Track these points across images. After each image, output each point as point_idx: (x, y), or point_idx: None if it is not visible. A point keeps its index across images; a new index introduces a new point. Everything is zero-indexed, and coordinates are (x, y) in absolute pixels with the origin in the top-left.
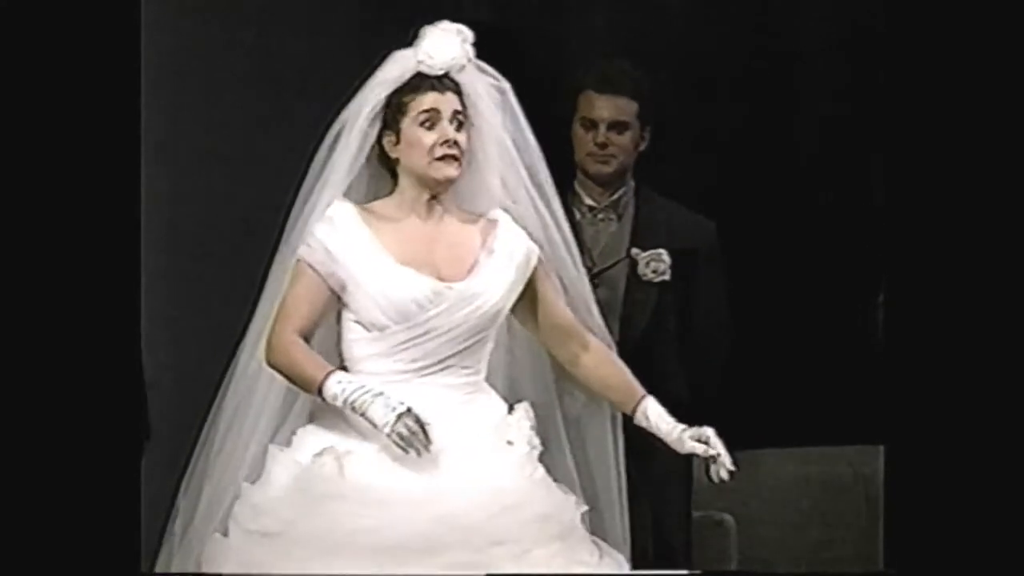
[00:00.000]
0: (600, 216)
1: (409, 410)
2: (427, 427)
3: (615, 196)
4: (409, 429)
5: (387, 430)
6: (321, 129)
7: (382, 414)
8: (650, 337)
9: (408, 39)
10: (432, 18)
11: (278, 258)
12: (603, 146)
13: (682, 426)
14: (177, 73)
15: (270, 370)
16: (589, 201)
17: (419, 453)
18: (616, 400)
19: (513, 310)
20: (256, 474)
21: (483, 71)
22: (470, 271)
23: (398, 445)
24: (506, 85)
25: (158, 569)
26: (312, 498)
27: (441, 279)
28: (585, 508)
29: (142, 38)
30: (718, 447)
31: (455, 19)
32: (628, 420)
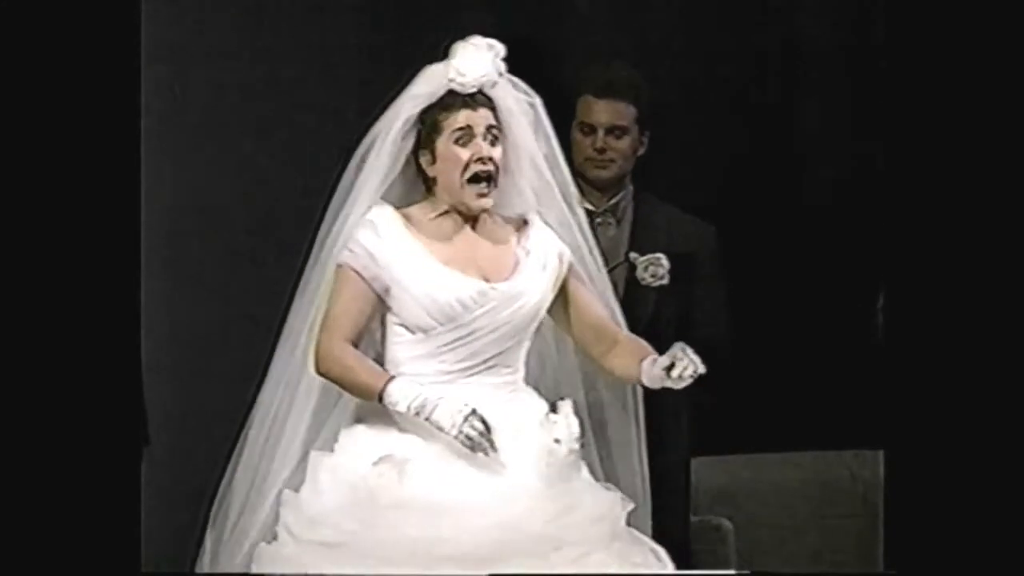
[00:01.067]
0: (599, 220)
1: (474, 411)
2: (491, 428)
3: (614, 200)
4: (476, 430)
5: (454, 432)
6: (319, 131)
7: (448, 417)
8: (649, 342)
9: (438, 55)
10: (432, 27)
11: (316, 268)
12: (602, 151)
13: (660, 373)
14: (177, 73)
15: (311, 375)
16: (588, 205)
17: (486, 453)
18: (631, 379)
19: (548, 311)
20: (296, 480)
21: (515, 85)
22: (513, 271)
23: (466, 446)
24: (537, 100)
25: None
26: (374, 508)
27: (486, 279)
28: (631, 506)
29: (142, 38)
30: (682, 360)
31: (455, 27)
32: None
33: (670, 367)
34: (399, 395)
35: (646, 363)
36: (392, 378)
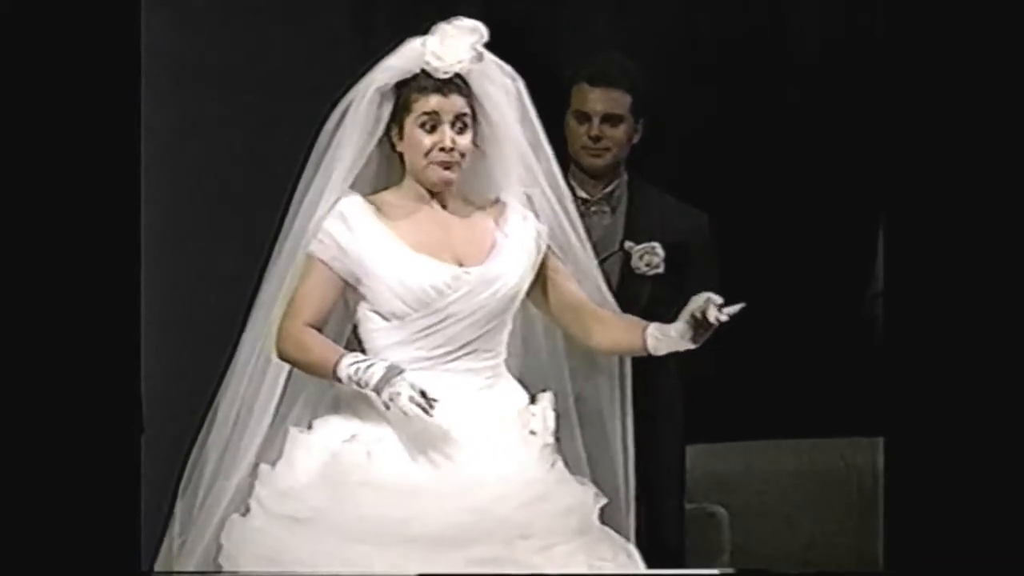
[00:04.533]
0: (593, 209)
1: (405, 378)
2: (427, 394)
3: (608, 189)
4: (404, 394)
5: (385, 397)
6: (311, 114)
7: (378, 378)
8: None
9: (422, 30)
10: (425, 13)
11: (285, 246)
12: (597, 139)
13: (681, 326)
14: (176, 73)
15: (277, 360)
16: (582, 194)
17: (427, 412)
18: (630, 350)
19: (527, 293)
20: (268, 454)
21: (499, 68)
22: (489, 254)
23: (387, 406)
24: (520, 82)
25: (163, 549)
26: (341, 486)
27: (460, 263)
28: (604, 501)
29: (142, 39)
30: (711, 312)
31: (447, 14)
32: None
33: (701, 316)
34: (350, 370)
35: (652, 328)
36: (345, 354)
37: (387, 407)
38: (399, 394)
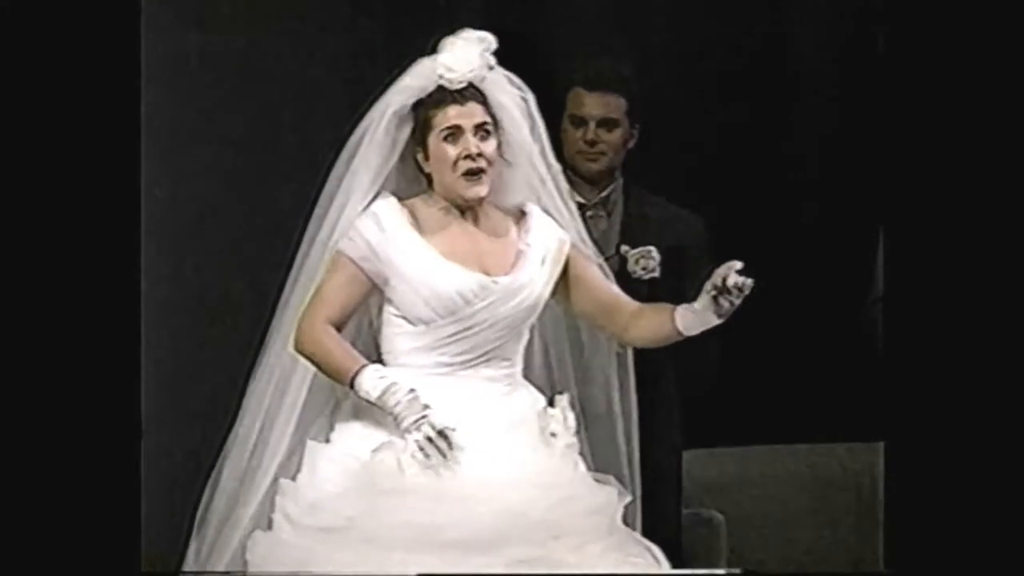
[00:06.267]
0: (589, 213)
1: (427, 418)
2: (449, 435)
3: (604, 193)
4: (427, 436)
5: (410, 431)
6: (316, 133)
7: (408, 413)
8: None
9: (429, 48)
10: (422, 19)
11: (307, 263)
12: (592, 143)
13: (704, 300)
14: (176, 76)
15: (305, 364)
16: (578, 198)
17: (444, 456)
18: (665, 337)
19: (555, 297)
20: (289, 469)
21: (509, 80)
22: (514, 265)
23: (420, 447)
24: (529, 95)
25: (186, 566)
26: (374, 494)
27: (487, 273)
28: (628, 499)
29: (142, 42)
30: (732, 278)
31: (445, 20)
32: None
33: (722, 283)
34: (369, 384)
35: (681, 309)
36: (366, 366)
37: (404, 433)
38: (419, 431)
